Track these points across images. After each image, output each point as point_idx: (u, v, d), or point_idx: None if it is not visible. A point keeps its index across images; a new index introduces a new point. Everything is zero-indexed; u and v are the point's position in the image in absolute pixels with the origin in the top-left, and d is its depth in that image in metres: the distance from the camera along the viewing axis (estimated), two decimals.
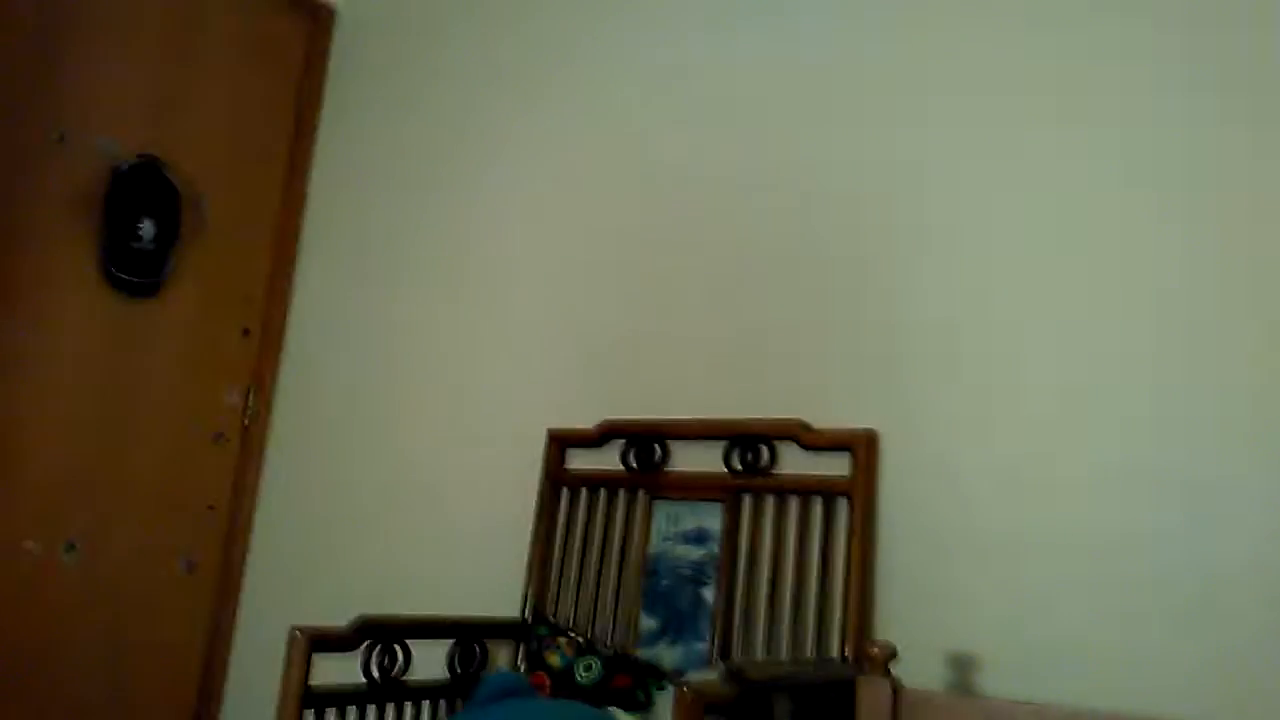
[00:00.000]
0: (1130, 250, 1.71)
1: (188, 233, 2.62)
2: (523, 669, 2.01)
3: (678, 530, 2.00)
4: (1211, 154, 1.66)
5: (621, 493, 2.10)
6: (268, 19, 2.84)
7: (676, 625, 1.93)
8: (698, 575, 1.94)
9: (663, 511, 2.03)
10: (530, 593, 2.12)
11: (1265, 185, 1.61)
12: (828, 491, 1.85)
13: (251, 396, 2.77)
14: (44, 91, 2.37)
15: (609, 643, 1.99)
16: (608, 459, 2.15)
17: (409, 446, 2.52)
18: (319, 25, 2.96)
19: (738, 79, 2.23)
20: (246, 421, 2.76)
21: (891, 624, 1.76)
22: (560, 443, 2.21)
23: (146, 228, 2.51)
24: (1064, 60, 1.84)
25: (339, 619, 1.81)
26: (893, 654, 1.46)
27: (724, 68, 2.26)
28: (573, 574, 2.11)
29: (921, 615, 1.75)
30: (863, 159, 2.02)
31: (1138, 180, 1.73)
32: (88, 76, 2.44)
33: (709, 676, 1.39)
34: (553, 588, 2.11)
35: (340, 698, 1.79)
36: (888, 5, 2.07)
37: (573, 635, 2.01)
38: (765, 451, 1.94)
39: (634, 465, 2.10)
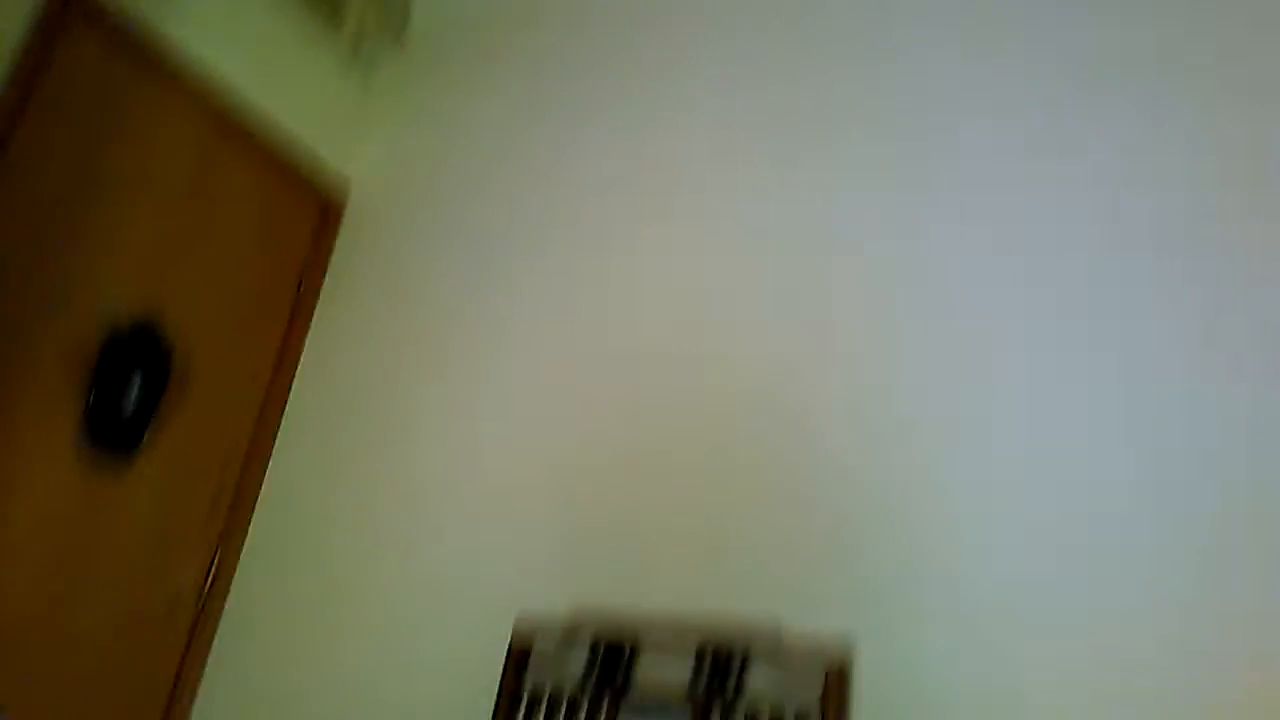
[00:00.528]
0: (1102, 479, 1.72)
1: (174, 395, 2.61)
2: None
3: None
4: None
5: (585, 698, 2.00)
6: (278, 197, 2.95)
7: None
8: None
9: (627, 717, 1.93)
10: None
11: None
12: (799, 712, 1.77)
13: (213, 568, 2.68)
14: (49, 254, 2.42)
15: None
16: (573, 657, 2.07)
17: (370, 624, 2.42)
18: (330, 207, 3.07)
19: (725, 273, 2.31)
20: (203, 593, 2.66)
21: None
22: (524, 637, 2.13)
23: (134, 387, 2.51)
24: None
25: None
26: None
27: (713, 259, 2.34)
28: None
29: None
30: (850, 357, 2.06)
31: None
32: (93, 239, 2.50)
33: None
34: None
35: None
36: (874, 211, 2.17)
37: None
38: (736, 662, 1.87)
39: (598, 669, 2.01)
